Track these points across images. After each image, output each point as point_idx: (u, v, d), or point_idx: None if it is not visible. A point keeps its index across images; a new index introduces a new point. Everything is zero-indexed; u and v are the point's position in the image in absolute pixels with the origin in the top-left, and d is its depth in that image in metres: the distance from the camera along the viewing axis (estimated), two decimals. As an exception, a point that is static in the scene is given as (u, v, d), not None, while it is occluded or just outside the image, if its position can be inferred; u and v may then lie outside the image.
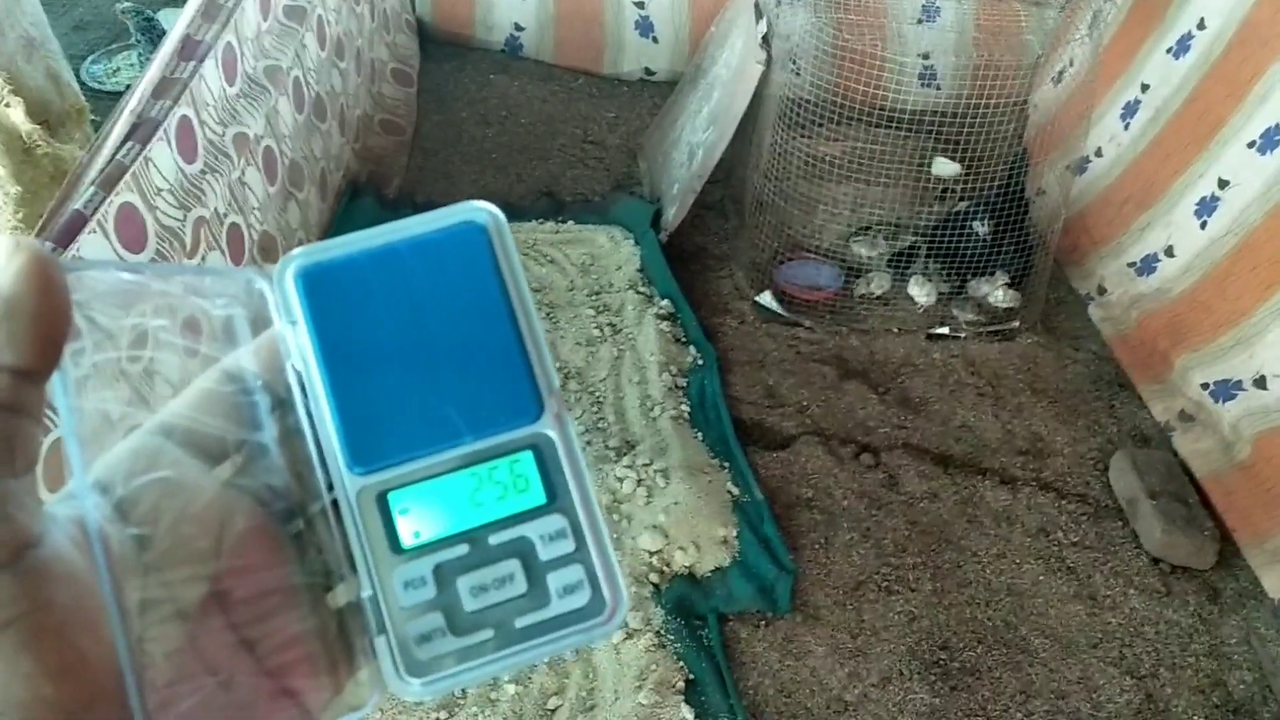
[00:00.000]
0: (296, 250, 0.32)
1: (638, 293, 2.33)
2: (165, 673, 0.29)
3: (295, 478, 0.33)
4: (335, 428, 0.31)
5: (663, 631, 1.69)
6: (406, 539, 0.31)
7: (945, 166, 2.47)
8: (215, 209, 1.87)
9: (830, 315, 2.31)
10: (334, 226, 2.38)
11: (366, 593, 0.31)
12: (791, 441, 2.03)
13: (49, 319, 0.26)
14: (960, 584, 1.80)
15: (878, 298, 2.33)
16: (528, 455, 0.32)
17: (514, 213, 2.52)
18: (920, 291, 2.31)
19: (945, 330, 2.27)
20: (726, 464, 1.98)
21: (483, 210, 0.33)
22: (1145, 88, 2.27)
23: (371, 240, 0.33)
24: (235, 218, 1.96)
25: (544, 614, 0.32)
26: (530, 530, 0.32)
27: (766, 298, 2.31)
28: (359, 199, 2.48)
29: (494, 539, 0.32)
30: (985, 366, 2.21)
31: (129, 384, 0.32)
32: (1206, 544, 1.78)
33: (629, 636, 1.67)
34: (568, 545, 0.32)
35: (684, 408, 2.09)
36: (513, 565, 0.32)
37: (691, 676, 1.65)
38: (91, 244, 1.49)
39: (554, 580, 0.32)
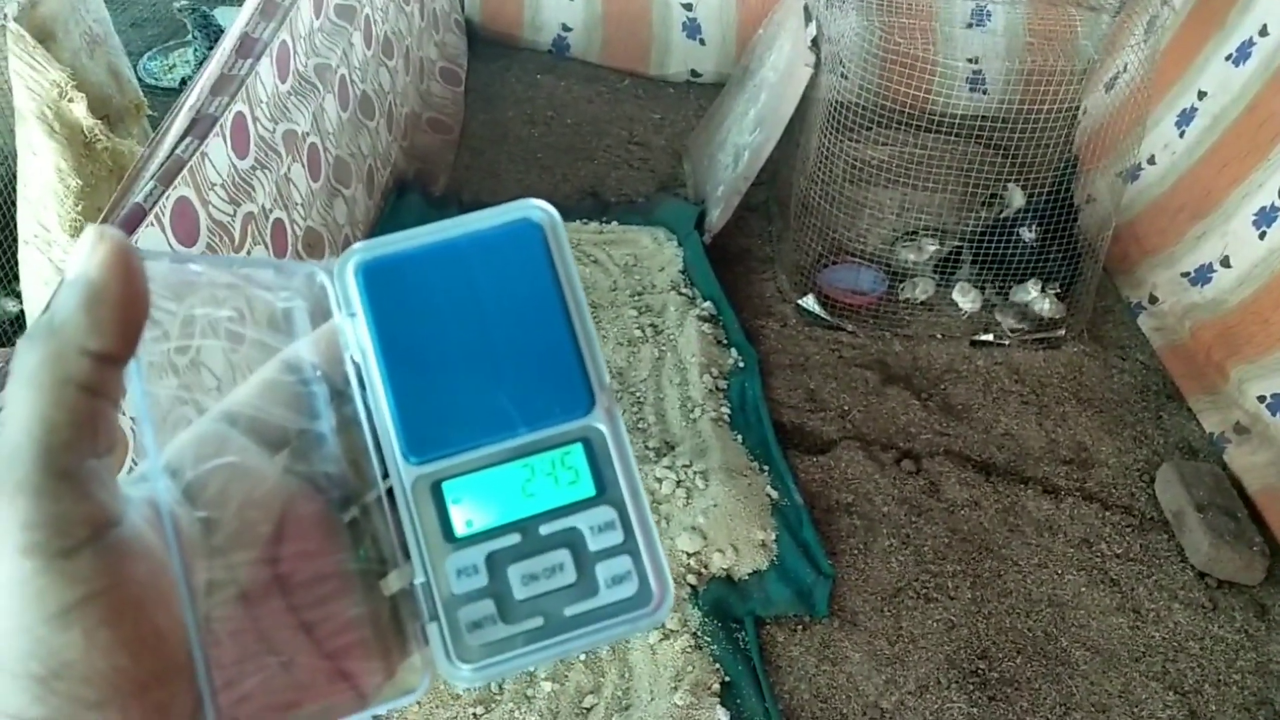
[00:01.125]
0: (357, 245, 0.33)
1: (680, 294, 2.34)
2: (230, 651, 0.30)
3: (351, 466, 0.34)
4: (392, 418, 0.32)
5: (699, 633, 1.69)
6: (460, 527, 0.32)
7: (1016, 196, 2.43)
8: (262, 205, 1.90)
9: (873, 320, 2.30)
10: (381, 223, 2.41)
11: (420, 579, 0.32)
12: (832, 446, 2.03)
13: (130, 306, 0.27)
14: (1000, 593, 1.78)
15: (921, 303, 2.32)
16: (578, 448, 0.33)
17: (559, 212, 2.52)
18: (965, 299, 2.29)
19: (989, 337, 2.25)
20: (766, 467, 1.98)
21: (538, 208, 0.34)
22: (1202, 95, 2.23)
23: (430, 236, 0.34)
24: (280, 213, 1.99)
25: (592, 603, 0.32)
26: (580, 521, 0.33)
27: (809, 301, 2.31)
28: (406, 196, 2.51)
29: (545, 529, 0.33)
30: (1030, 374, 2.19)
31: (196, 371, 0.34)
32: (1255, 559, 1.75)
33: (665, 637, 1.67)
34: (616, 536, 0.33)
35: (724, 410, 2.09)
36: (563, 555, 0.32)
37: (727, 679, 1.65)
38: (149, 237, 1.53)
39: (602, 570, 0.32)
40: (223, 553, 0.31)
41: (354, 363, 0.33)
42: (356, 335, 0.33)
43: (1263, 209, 2.00)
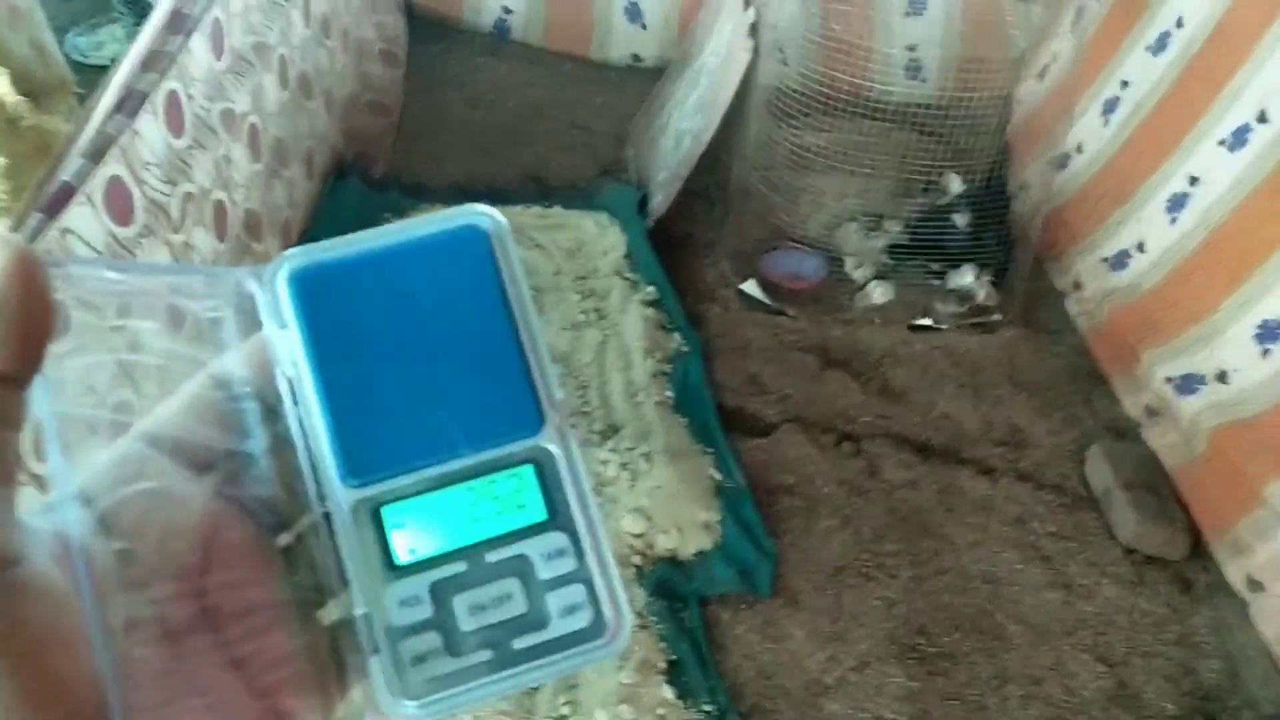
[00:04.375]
0: (290, 250, 0.31)
1: (623, 279, 2.34)
2: (151, 695, 0.28)
3: (285, 489, 0.32)
4: (328, 437, 0.30)
5: (645, 613, 1.70)
6: (402, 555, 0.30)
7: (954, 183, 2.48)
8: (201, 185, 1.86)
9: (814, 305, 2.33)
10: (320, 206, 2.37)
11: (360, 610, 0.30)
12: (773, 429, 2.06)
13: (32, 320, 0.24)
14: (938, 571, 1.83)
15: (860, 288, 2.36)
16: (528, 469, 0.32)
17: (500, 197, 2.52)
18: (878, 292, 2.33)
19: (928, 322, 2.30)
20: (709, 450, 2.00)
21: (485, 214, 0.33)
22: (1125, 84, 2.30)
23: (368, 242, 0.32)
24: (220, 194, 1.95)
25: (544, 635, 0.31)
26: (530, 548, 0.31)
27: (751, 286, 2.33)
28: (345, 179, 2.47)
29: (492, 556, 0.31)
30: (966, 358, 2.24)
31: (113, 388, 0.32)
32: (1178, 535, 1.82)
33: (612, 618, 1.68)
34: (569, 564, 0.31)
35: (668, 393, 2.10)
36: (512, 584, 0.31)
37: (673, 658, 1.67)
38: (80, 216, 1.48)
39: (554, 600, 0.31)
40: (142, 586, 0.29)
41: (286, 378, 0.31)
42: (289, 348, 0.31)
43: (1174, 195, 2.07)
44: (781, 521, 1.89)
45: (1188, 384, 1.98)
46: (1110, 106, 2.37)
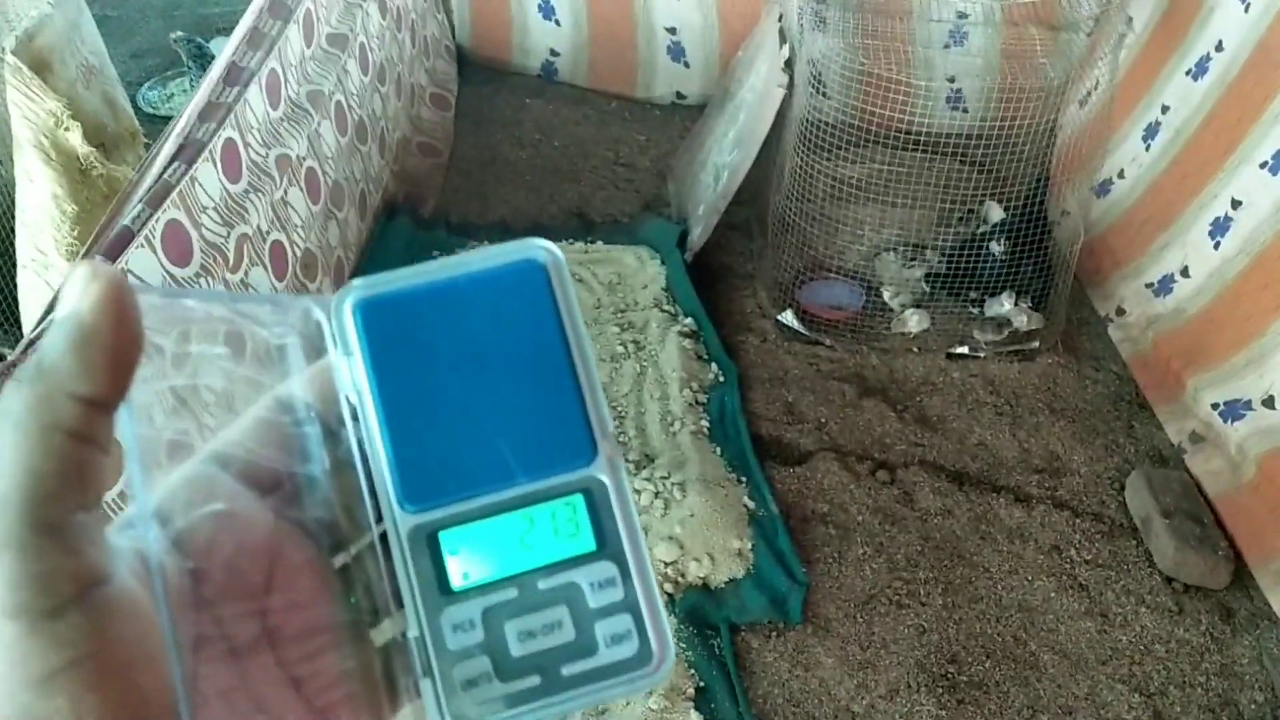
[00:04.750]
0: (355, 281, 0.32)
1: (662, 311, 2.39)
2: (218, 712, 0.29)
3: (343, 511, 0.32)
4: (389, 463, 0.31)
5: (675, 639, 1.73)
6: (456, 580, 0.31)
7: (994, 211, 2.49)
8: (258, 226, 1.96)
9: (851, 334, 2.35)
10: (370, 245, 2.47)
11: (414, 633, 0.31)
12: (809, 457, 2.07)
13: (123, 348, 0.26)
14: (971, 599, 1.82)
15: (896, 316, 2.37)
16: (579, 499, 0.32)
17: (544, 233, 2.57)
18: (914, 321, 2.34)
19: (965, 350, 2.30)
20: (744, 478, 2.02)
21: (542, 248, 0.33)
22: (1166, 109, 2.29)
23: (430, 274, 0.32)
24: (278, 235, 2.05)
25: (591, 662, 0.31)
26: (579, 576, 0.32)
27: (788, 316, 2.36)
28: (395, 219, 2.57)
29: (543, 584, 0.32)
30: (1004, 386, 2.23)
31: (190, 411, 0.33)
32: (1220, 564, 1.79)
33: (642, 643, 1.71)
34: (616, 593, 0.32)
35: (704, 423, 2.13)
36: (561, 612, 0.31)
37: (702, 684, 1.69)
38: (139, 258, 1.59)
39: (602, 628, 0.32)
40: (212, 605, 0.30)
41: (349, 403, 0.32)
42: (352, 375, 0.32)
43: (1217, 219, 2.05)
44: (815, 549, 1.90)
45: (1234, 409, 1.95)
46: (1151, 132, 2.36)
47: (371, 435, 0.31)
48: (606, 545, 0.32)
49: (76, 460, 0.25)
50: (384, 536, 0.31)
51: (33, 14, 1.91)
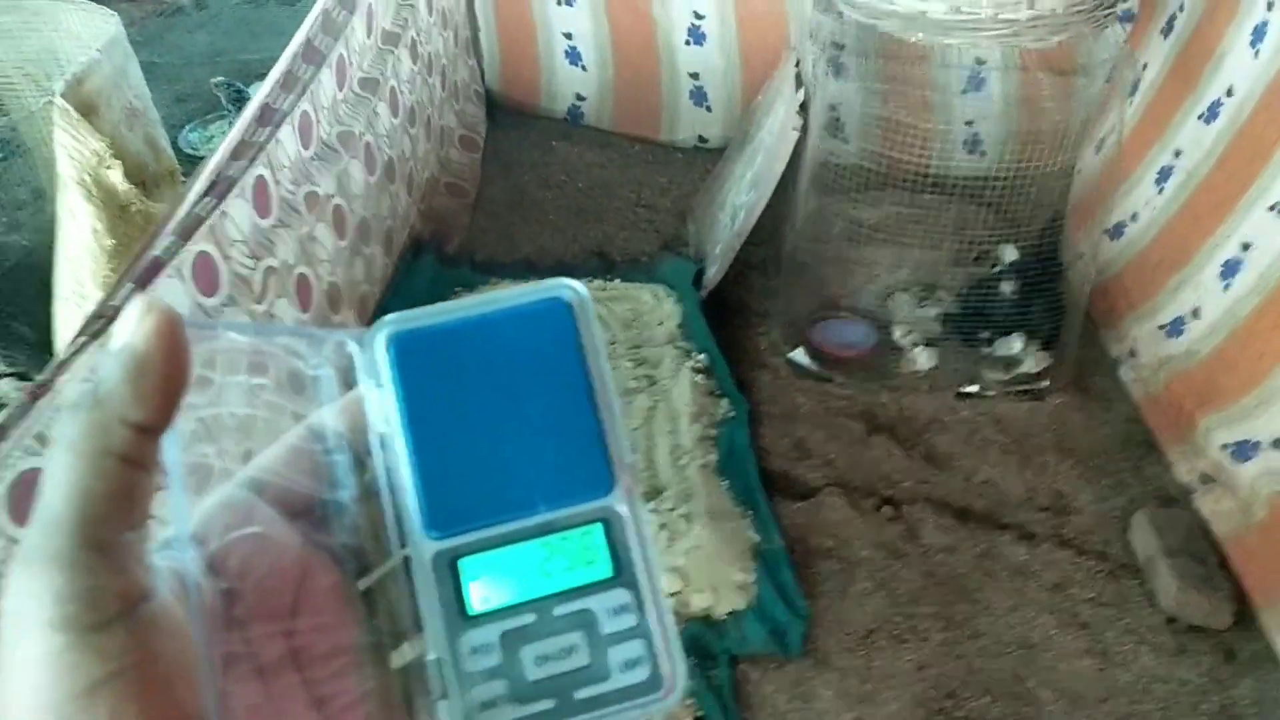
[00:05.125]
0: (389, 316, 0.34)
1: (676, 347, 2.44)
2: None
3: (368, 537, 0.34)
4: (415, 491, 0.32)
5: (674, 668, 1.75)
6: (476, 605, 0.32)
7: (1008, 252, 2.51)
8: (285, 260, 2.05)
9: (862, 372, 2.38)
10: (395, 281, 2.56)
11: (433, 656, 0.32)
12: (816, 492, 2.10)
13: (173, 378, 0.28)
14: (972, 635, 1.82)
15: (906, 354, 2.39)
16: (598, 528, 0.33)
17: (566, 271, 2.65)
18: (923, 358, 2.36)
19: (975, 389, 2.31)
20: (750, 512, 2.05)
21: (569, 287, 0.35)
22: (1179, 153, 2.31)
23: (461, 310, 0.34)
24: (304, 269, 2.14)
25: (604, 687, 0.32)
26: (595, 603, 0.33)
27: (800, 354, 2.40)
28: (421, 256, 2.65)
29: (560, 609, 0.33)
30: (1013, 425, 2.24)
31: (226, 437, 0.39)
32: (1223, 604, 1.78)
33: (641, 670, 1.74)
34: (630, 620, 0.33)
35: (712, 457, 2.17)
36: (576, 637, 0.32)
37: (702, 714, 1.71)
38: (169, 287, 1.67)
39: (615, 654, 0.32)
40: (242, 626, 0.31)
41: (378, 433, 0.33)
42: (383, 406, 0.33)
43: (1228, 261, 2.06)
44: (818, 583, 1.92)
45: (1245, 449, 1.95)
46: (1164, 175, 2.38)
47: (399, 464, 0.33)
48: (622, 573, 0.33)
49: (127, 483, 0.27)
50: (407, 562, 0.32)
51: (82, 59, 2.03)
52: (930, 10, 2.06)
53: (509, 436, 0.33)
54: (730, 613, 1.86)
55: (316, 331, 0.35)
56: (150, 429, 0.27)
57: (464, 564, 0.32)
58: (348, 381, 0.34)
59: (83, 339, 1.43)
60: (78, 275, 2.01)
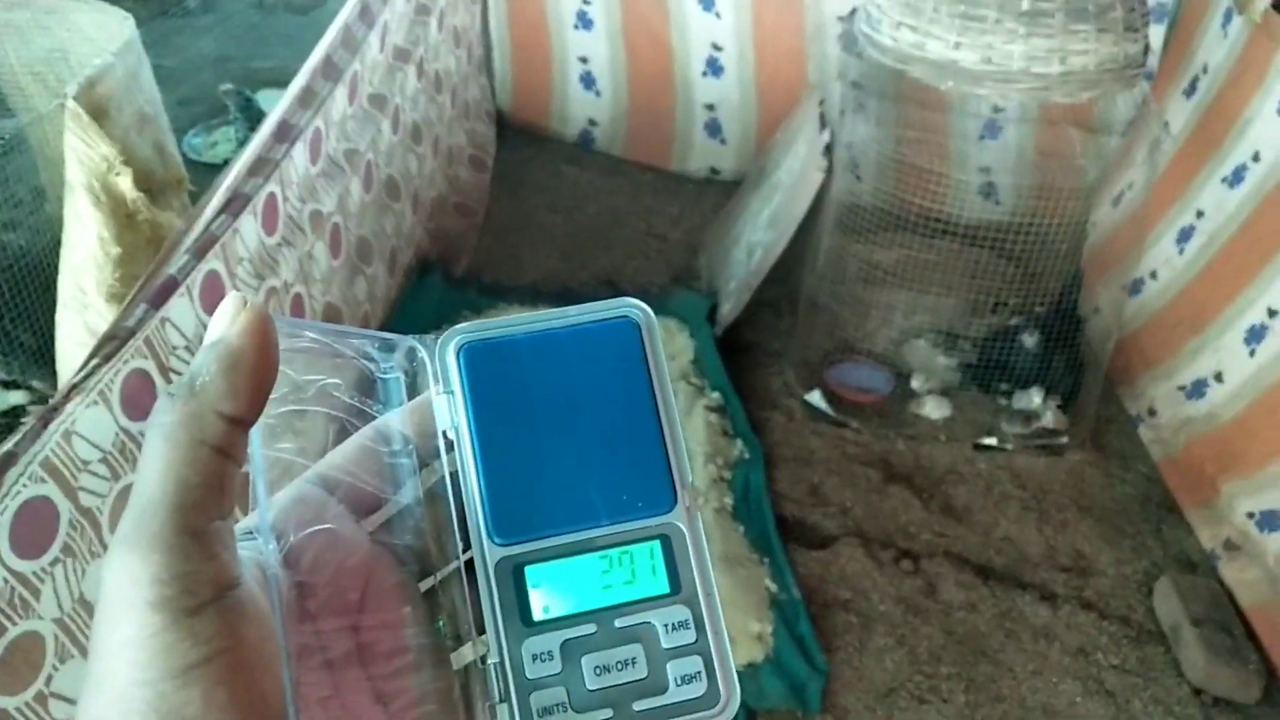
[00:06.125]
0: (461, 325, 0.35)
1: (690, 384, 2.39)
2: (317, 717, 0.31)
3: (432, 539, 0.34)
4: (482, 497, 0.33)
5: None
6: (538, 612, 0.33)
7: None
8: (285, 279, 1.98)
9: (878, 418, 2.34)
10: (402, 301, 2.49)
11: (494, 659, 0.32)
12: (832, 542, 2.05)
13: (263, 373, 0.29)
14: (994, 698, 1.78)
15: (921, 402, 2.36)
16: (657, 544, 0.34)
17: (574, 299, 2.60)
18: (935, 407, 2.33)
19: (993, 441, 2.28)
20: (766, 559, 2.00)
21: (637, 308, 0.35)
22: (1200, 214, 2.30)
23: (531, 324, 0.35)
24: (299, 288, 2.06)
25: (661, 700, 0.32)
26: (654, 617, 0.33)
27: (816, 397, 2.35)
28: (428, 276, 2.59)
29: (619, 622, 0.33)
30: (1031, 480, 2.21)
31: (302, 435, 0.36)
32: (1252, 678, 1.75)
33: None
34: (689, 635, 0.33)
35: (727, 500, 2.12)
36: (635, 649, 0.33)
37: (717, 771, 1.64)
38: (179, 307, 1.60)
39: (673, 668, 0.33)
40: (314, 618, 0.32)
41: (446, 439, 0.34)
42: (452, 412, 0.34)
43: (1253, 327, 2.04)
44: (835, 637, 1.87)
45: (1271, 520, 1.93)
46: (1185, 235, 2.37)
47: (466, 469, 0.33)
48: (681, 589, 0.33)
49: (218, 472, 0.28)
50: (469, 565, 0.33)
51: (95, 62, 1.95)
52: (962, 60, 2.04)
53: (574, 449, 0.34)
54: (747, 665, 1.80)
55: (389, 336, 0.35)
56: (242, 421, 0.28)
57: (529, 571, 0.33)
58: (415, 387, 0.35)
59: (95, 361, 1.36)
60: (81, 282, 1.93)
